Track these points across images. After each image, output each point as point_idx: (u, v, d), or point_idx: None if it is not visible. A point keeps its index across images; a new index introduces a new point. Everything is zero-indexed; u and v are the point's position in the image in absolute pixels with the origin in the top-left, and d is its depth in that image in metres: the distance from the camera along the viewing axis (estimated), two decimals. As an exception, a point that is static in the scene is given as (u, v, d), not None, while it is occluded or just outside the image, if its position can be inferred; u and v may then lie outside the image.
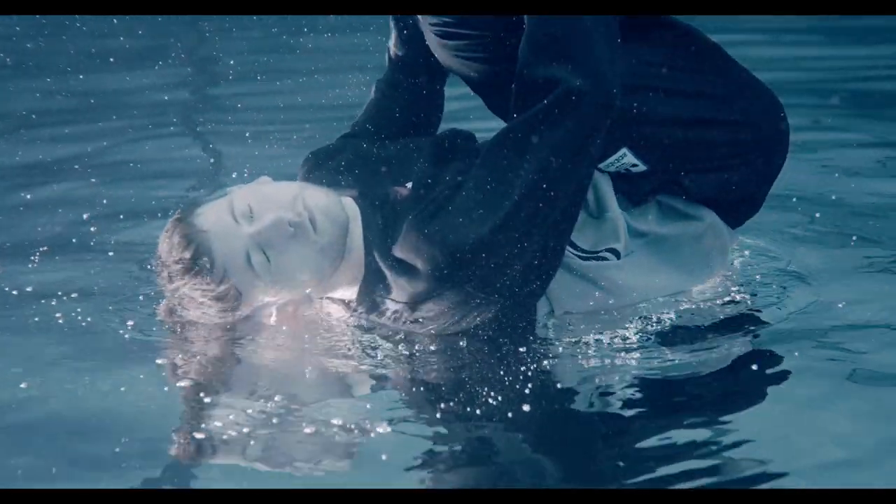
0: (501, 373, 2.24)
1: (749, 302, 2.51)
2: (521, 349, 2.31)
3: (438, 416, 2.13)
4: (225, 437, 2.04)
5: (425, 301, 2.26)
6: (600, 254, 2.41)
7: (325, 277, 2.37)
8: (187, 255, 2.26)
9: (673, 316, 2.45)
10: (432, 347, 2.34)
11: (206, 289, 2.28)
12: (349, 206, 2.40)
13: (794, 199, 3.24)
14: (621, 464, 1.99)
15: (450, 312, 2.27)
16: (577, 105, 2.18)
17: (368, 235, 2.35)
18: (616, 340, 2.36)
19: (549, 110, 2.19)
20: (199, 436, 2.04)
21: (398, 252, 2.27)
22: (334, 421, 2.09)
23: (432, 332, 2.33)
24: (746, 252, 2.78)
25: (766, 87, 2.46)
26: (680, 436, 2.06)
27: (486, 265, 2.22)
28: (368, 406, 2.20)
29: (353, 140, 2.64)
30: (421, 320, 2.30)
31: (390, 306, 2.32)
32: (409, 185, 2.42)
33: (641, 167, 2.40)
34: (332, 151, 2.60)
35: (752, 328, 2.43)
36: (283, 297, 2.37)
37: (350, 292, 2.42)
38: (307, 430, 2.06)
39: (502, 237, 2.21)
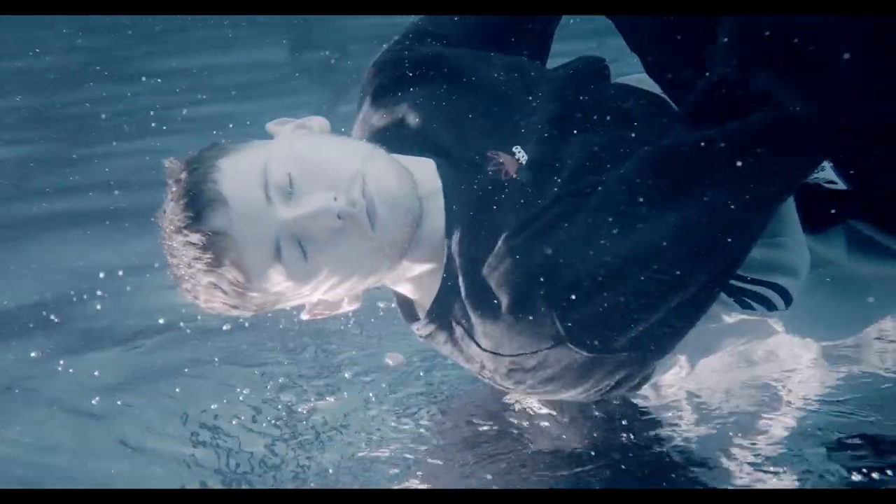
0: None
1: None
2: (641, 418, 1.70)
3: None
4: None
5: (519, 356, 1.63)
6: (759, 289, 1.74)
7: (379, 276, 1.73)
8: (195, 234, 1.62)
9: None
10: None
11: (209, 275, 1.65)
12: (427, 178, 1.72)
13: None
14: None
15: (547, 374, 1.64)
16: (793, 139, 1.51)
17: (455, 231, 1.70)
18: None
19: (751, 136, 1.51)
20: None
21: (486, 273, 1.63)
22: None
23: (527, 394, 1.72)
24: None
25: None
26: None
27: (605, 317, 1.57)
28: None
29: (442, 48, 1.94)
30: (509, 377, 1.68)
31: (466, 343, 1.69)
32: (517, 152, 1.74)
33: (840, 186, 1.72)
34: (413, 63, 1.89)
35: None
36: (317, 297, 1.74)
37: (418, 292, 1.78)
38: None
39: (633, 287, 1.56)
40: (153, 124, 3.66)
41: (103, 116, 3.95)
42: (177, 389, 2.14)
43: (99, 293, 2.48)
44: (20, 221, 3.14)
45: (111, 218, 2.95)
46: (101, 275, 2.47)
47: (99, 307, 2.46)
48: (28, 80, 4.65)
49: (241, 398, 2.08)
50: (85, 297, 2.51)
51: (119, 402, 2.10)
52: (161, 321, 2.36)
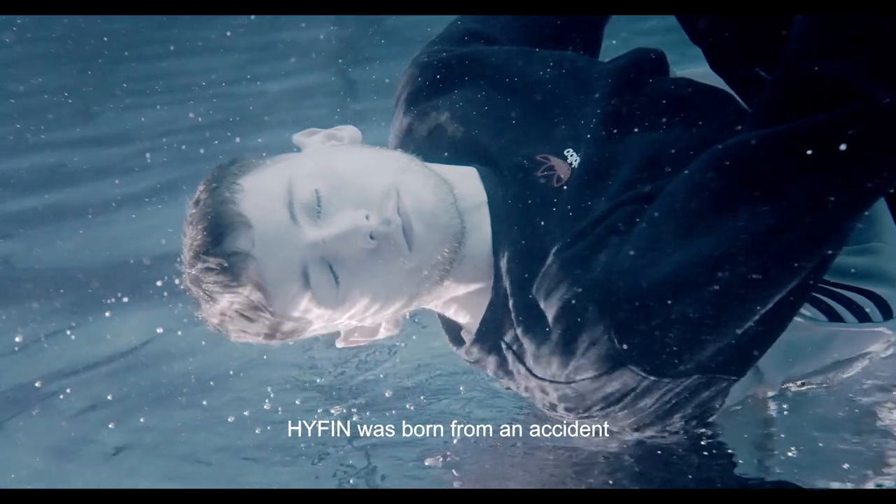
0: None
1: None
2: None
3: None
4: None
5: (575, 383, 1.47)
6: (850, 294, 1.57)
7: (419, 299, 1.57)
8: (214, 259, 1.47)
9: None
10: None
11: (230, 298, 1.50)
12: (470, 189, 1.56)
13: None
14: None
15: (606, 402, 1.47)
16: (882, 133, 1.33)
17: (502, 247, 1.53)
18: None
19: (834, 131, 1.34)
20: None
21: (536, 291, 1.46)
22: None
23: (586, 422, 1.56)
24: None
25: None
26: None
27: (671, 335, 1.40)
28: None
29: (483, 46, 1.78)
30: (564, 406, 1.51)
31: (518, 369, 1.53)
32: (569, 155, 1.58)
33: None
34: (452, 64, 1.73)
35: None
36: (352, 324, 1.58)
37: (464, 314, 1.62)
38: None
39: (701, 300, 1.38)
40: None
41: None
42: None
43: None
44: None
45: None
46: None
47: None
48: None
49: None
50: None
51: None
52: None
